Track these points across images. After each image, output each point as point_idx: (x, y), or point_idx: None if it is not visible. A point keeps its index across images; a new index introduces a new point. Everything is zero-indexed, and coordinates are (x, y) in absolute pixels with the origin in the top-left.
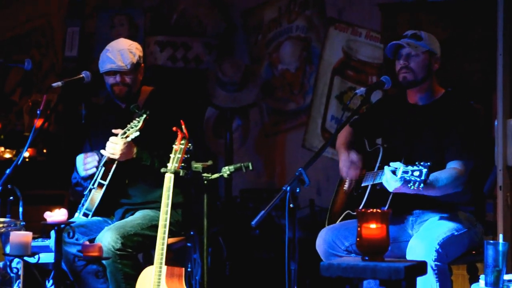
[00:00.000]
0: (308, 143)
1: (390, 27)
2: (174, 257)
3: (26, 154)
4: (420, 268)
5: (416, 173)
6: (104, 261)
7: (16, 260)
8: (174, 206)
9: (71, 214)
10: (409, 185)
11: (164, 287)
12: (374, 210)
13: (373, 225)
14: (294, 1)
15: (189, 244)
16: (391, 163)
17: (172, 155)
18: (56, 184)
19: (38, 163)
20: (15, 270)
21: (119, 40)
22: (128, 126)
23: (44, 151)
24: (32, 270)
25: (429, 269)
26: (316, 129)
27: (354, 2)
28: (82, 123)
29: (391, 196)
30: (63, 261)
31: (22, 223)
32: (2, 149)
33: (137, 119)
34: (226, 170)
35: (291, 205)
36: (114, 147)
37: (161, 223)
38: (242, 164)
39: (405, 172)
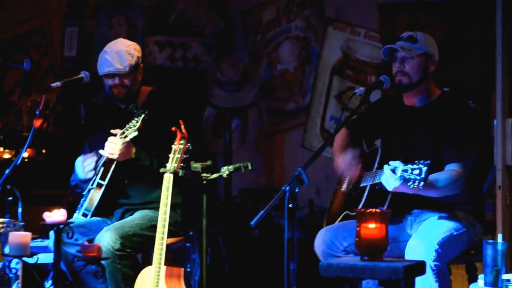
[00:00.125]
0: (307, 143)
1: (388, 26)
2: (173, 257)
3: (25, 154)
4: (419, 268)
5: (416, 172)
6: (103, 261)
7: (15, 260)
8: (173, 206)
9: (70, 215)
10: (408, 184)
11: (163, 287)
12: (373, 210)
13: (372, 225)
14: (292, 1)
15: (188, 244)
16: (390, 162)
17: (171, 155)
18: (55, 185)
19: (37, 163)
20: (14, 271)
21: (117, 41)
22: (127, 126)
23: (43, 151)
24: (31, 271)
25: (429, 269)
26: (315, 129)
27: (353, 2)
28: (81, 123)
29: (390, 196)
30: (62, 262)
31: (21, 224)
32: (1, 149)
33: (135, 119)
34: (225, 170)
35: (290, 205)
36: (113, 147)
37: (160, 223)
38: (241, 164)
39: (405, 170)
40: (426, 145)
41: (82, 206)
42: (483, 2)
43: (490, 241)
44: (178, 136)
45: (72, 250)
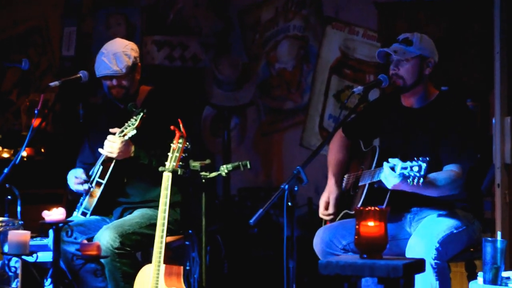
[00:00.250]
0: (306, 141)
1: (387, 26)
2: (172, 256)
3: (24, 153)
4: (418, 266)
5: (415, 169)
6: (102, 260)
7: (15, 259)
8: (172, 204)
9: (69, 213)
10: (408, 181)
11: (163, 285)
12: (372, 208)
13: (371, 223)
14: (291, 0)
15: (187, 243)
16: (389, 159)
17: (170, 154)
18: (54, 183)
19: (36, 162)
20: (13, 269)
21: (114, 41)
22: (126, 124)
23: (42, 150)
24: (30, 269)
25: (429, 267)
26: (314, 128)
27: (351, 1)
28: (80, 123)
29: (389, 194)
30: (61, 260)
31: (20, 222)
32: (0, 148)
33: (134, 117)
34: (224, 169)
35: (289, 203)
36: (112, 145)
37: (159, 222)
38: (240, 163)
39: (404, 168)
40: (424, 146)
41: (81, 204)
42: (481, 0)
43: (490, 239)
44: (177, 135)
45: (72, 248)
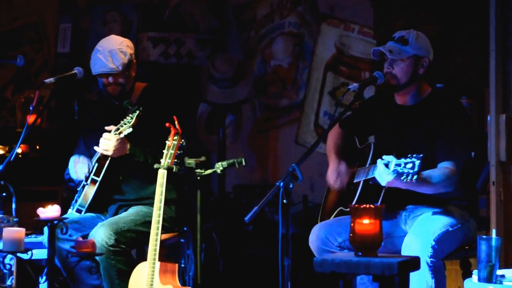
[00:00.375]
0: (301, 138)
1: (382, 23)
2: (167, 253)
3: (19, 150)
4: (413, 263)
5: (409, 165)
6: (97, 257)
7: (9, 256)
8: (167, 202)
9: (64, 210)
10: (402, 178)
11: (158, 283)
12: (367, 205)
13: (366, 221)
14: None
15: (182, 240)
16: (383, 157)
17: (165, 151)
18: (49, 180)
19: (31, 159)
20: (8, 267)
21: (109, 38)
22: (121, 122)
23: (37, 147)
24: (25, 266)
25: (425, 265)
26: (309, 125)
27: None
28: (75, 119)
29: (383, 191)
30: (56, 257)
31: (15, 219)
32: None
33: (130, 115)
34: (219, 166)
35: (284, 200)
36: (107, 143)
37: (154, 219)
38: (235, 160)
39: (398, 165)
40: (419, 143)
41: (76, 202)
42: None
43: (484, 236)
44: (172, 132)
45: (66, 246)
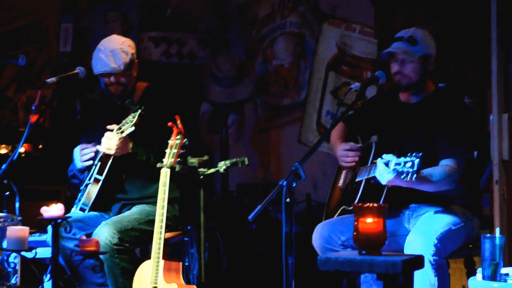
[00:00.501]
0: (303, 138)
1: (383, 22)
2: (171, 252)
3: (21, 149)
4: (417, 262)
5: (409, 164)
6: (101, 256)
7: (13, 255)
8: (170, 201)
9: (67, 209)
10: (402, 177)
11: (162, 281)
12: (371, 204)
13: (369, 220)
14: None
15: (186, 239)
16: (384, 155)
17: (168, 150)
18: (53, 179)
19: (33, 158)
20: (12, 265)
21: (111, 38)
22: (123, 121)
23: (40, 146)
24: (29, 265)
25: (428, 264)
26: (312, 124)
27: None
28: (77, 119)
29: (385, 190)
30: (60, 256)
31: (19, 218)
32: None
33: (132, 114)
34: (222, 165)
35: (287, 199)
36: (110, 142)
37: (157, 218)
38: (238, 159)
39: (398, 164)
40: (421, 141)
41: (79, 200)
42: None
43: (488, 235)
44: (175, 131)
45: (70, 244)
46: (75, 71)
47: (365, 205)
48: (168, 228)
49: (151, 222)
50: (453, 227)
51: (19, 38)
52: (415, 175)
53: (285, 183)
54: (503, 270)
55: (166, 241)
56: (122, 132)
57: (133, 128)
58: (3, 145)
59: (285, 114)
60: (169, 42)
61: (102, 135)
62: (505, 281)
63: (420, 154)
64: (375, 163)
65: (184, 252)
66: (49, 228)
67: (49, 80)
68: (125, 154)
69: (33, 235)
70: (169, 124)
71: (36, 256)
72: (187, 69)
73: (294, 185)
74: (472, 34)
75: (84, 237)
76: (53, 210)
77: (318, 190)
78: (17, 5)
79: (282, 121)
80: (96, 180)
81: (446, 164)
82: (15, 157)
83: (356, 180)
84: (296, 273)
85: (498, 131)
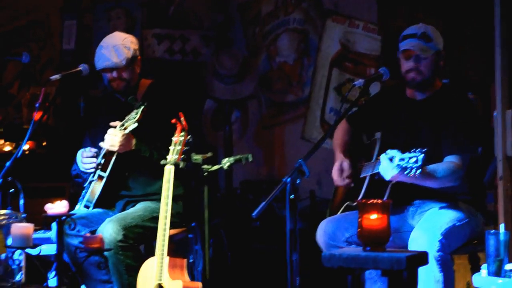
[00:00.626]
0: (307, 134)
1: (387, 19)
2: (176, 248)
3: (25, 146)
4: (421, 258)
5: (413, 160)
6: (106, 253)
7: (18, 252)
8: (175, 198)
9: (72, 206)
10: (405, 172)
11: (167, 278)
12: (375, 200)
13: (374, 216)
14: None
15: (190, 236)
16: (388, 151)
17: (171, 147)
18: (56, 177)
19: (37, 155)
20: (17, 262)
21: (113, 35)
22: (126, 118)
23: (44, 143)
24: (34, 262)
25: (432, 260)
26: (315, 121)
27: None
28: (80, 116)
29: (389, 186)
30: (65, 253)
31: (23, 215)
32: (2, 142)
33: (135, 111)
34: (226, 162)
35: (291, 196)
36: (113, 139)
37: (162, 215)
38: (241, 156)
39: (402, 159)
40: (426, 137)
41: (83, 198)
42: None
43: (493, 231)
44: (178, 128)
45: (75, 241)
46: (79, 69)
47: (369, 202)
48: (172, 225)
49: (155, 219)
50: (458, 223)
51: (23, 36)
52: (419, 171)
53: (289, 179)
54: (508, 266)
55: (171, 238)
56: (125, 129)
57: (136, 124)
58: (7, 143)
59: (288, 111)
60: (172, 39)
61: (105, 132)
62: (510, 277)
63: (425, 149)
64: (380, 159)
65: (189, 248)
66: (54, 225)
67: (52, 77)
68: (129, 151)
69: (37, 232)
70: (173, 121)
71: (41, 253)
72: (190, 66)
73: (298, 182)
74: (475, 30)
75: (88, 234)
76: (57, 207)
77: (322, 187)
78: (20, 3)
79: (285, 118)
80: (100, 177)
81: (450, 160)
82: (19, 154)
83: (361, 176)
84: (300, 269)
85: (502, 127)
